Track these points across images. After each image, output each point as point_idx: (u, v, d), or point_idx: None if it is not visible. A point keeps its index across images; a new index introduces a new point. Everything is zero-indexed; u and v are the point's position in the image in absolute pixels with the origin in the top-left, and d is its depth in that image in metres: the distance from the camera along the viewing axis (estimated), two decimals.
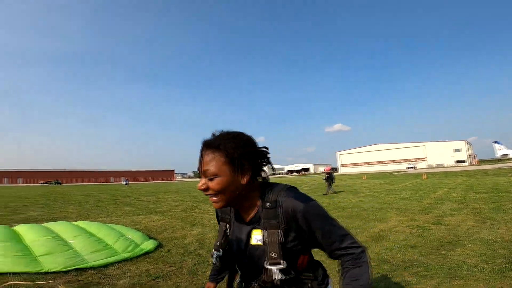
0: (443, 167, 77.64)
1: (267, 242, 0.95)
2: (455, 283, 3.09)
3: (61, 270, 3.68)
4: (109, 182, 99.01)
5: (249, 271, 1.04)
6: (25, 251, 4.01)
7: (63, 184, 74.95)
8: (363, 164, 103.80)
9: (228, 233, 1.11)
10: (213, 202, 0.96)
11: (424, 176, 27.67)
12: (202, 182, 0.95)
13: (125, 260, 4.24)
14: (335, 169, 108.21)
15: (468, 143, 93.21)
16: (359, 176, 40.12)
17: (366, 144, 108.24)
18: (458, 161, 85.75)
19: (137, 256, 4.44)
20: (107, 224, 5.93)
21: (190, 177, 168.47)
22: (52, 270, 3.65)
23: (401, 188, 16.12)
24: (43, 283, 3.26)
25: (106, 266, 3.98)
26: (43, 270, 3.62)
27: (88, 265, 3.86)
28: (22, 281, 3.32)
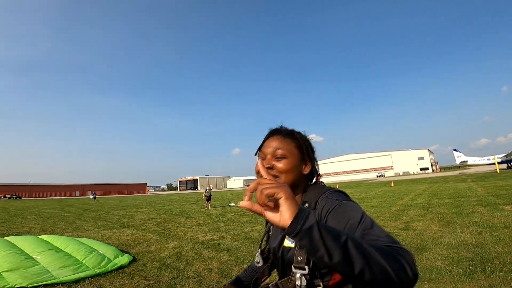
0: (409, 174, 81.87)
1: (296, 245, 0.89)
2: (425, 286, 3.27)
3: (27, 286, 3.44)
4: (74, 196, 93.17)
5: (279, 273, 1.00)
6: None
7: (23, 198, 69.58)
8: (336, 173, 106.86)
9: (271, 233, 1.08)
10: None
11: (392, 184, 29.00)
12: (266, 161, 0.96)
13: (98, 275, 4.03)
14: None
15: (430, 151, 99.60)
16: (332, 185, 41.03)
17: (338, 154, 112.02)
18: (422, 168, 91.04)
19: (111, 271, 4.23)
20: (75, 238, 5.59)
21: (164, 190, 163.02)
22: (18, 286, 3.41)
23: (372, 196, 16.74)
24: None
25: (77, 281, 3.76)
26: (8, 286, 3.37)
27: (57, 280, 3.63)
28: None
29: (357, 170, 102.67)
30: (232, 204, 17.39)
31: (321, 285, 0.85)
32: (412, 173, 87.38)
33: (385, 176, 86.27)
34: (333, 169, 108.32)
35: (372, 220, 0.80)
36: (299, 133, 1.04)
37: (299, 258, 0.86)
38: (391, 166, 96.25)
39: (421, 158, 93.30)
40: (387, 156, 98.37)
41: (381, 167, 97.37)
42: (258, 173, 0.86)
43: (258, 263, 1.10)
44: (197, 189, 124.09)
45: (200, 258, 5.00)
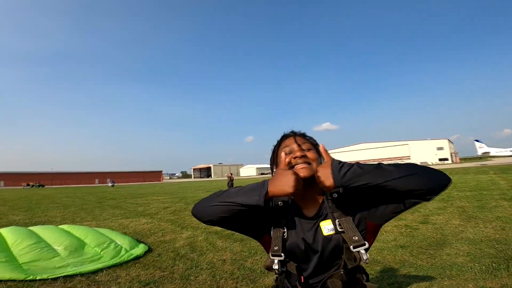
0: (427, 165, 79.66)
1: (343, 229, 0.99)
2: (446, 283, 3.15)
3: (48, 277, 3.55)
4: (94, 184, 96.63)
5: (322, 264, 1.06)
6: (10, 256, 3.87)
7: (46, 186, 72.84)
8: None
9: (286, 237, 1.07)
10: (303, 169, 1.06)
11: None
12: (299, 151, 1.10)
13: (115, 265, 4.13)
14: None
15: (450, 141, 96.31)
16: None
17: (353, 143, 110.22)
18: (441, 159, 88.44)
19: (127, 261, 4.32)
20: (94, 229, 5.76)
21: (178, 177, 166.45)
22: (39, 278, 3.52)
23: None
24: None
25: (95, 272, 3.86)
26: (30, 278, 3.49)
27: (76, 271, 3.74)
28: None
29: (373, 160, 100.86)
30: None
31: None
32: (431, 164, 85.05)
33: None
34: (347, 158, 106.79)
35: None
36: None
37: (355, 238, 0.97)
38: (409, 156, 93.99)
39: (440, 148, 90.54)
40: (405, 146, 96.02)
41: (398, 157, 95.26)
42: (286, 164, 1.06)
43: (278, 269, 1.05)
44: (211, 177, 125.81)
45: (214, 249, 5.04)
